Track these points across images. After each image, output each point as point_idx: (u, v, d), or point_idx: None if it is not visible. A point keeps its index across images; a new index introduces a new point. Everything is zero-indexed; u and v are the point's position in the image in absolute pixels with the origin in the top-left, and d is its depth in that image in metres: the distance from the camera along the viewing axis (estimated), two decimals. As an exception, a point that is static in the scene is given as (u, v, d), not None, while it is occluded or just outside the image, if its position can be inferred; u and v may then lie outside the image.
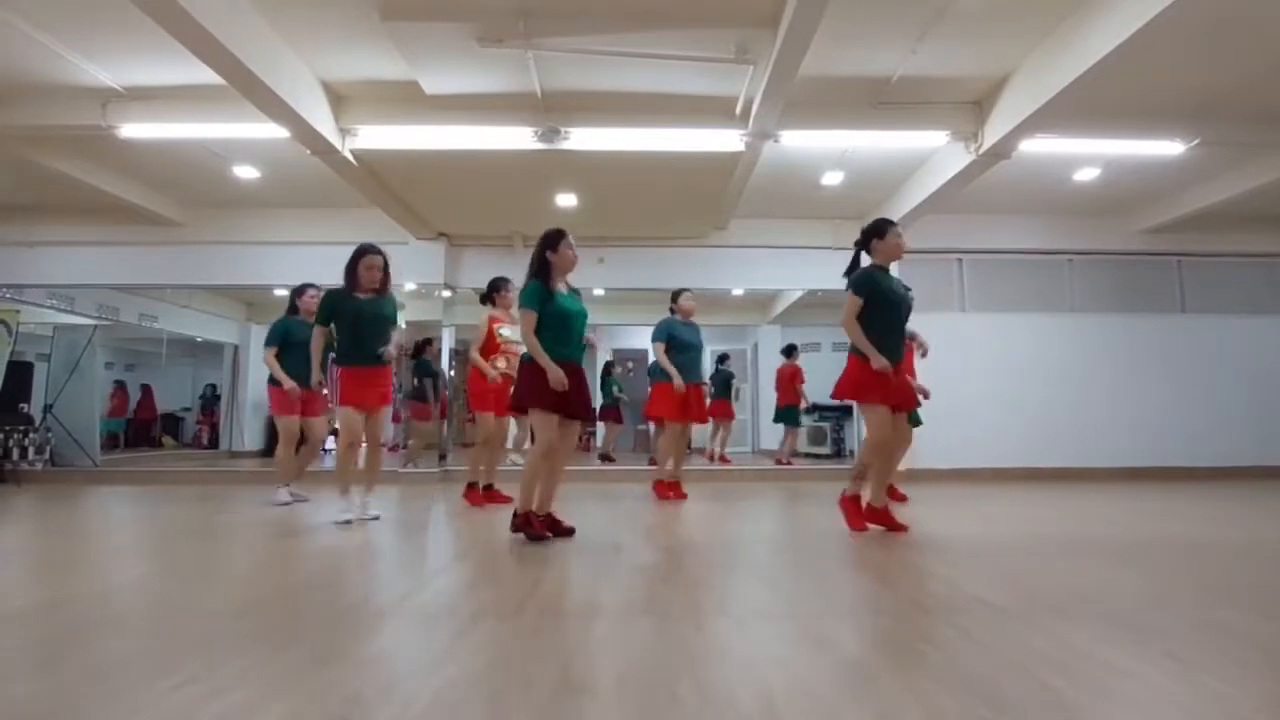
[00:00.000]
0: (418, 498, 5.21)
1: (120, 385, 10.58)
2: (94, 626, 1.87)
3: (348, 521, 3.64)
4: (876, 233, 3.51)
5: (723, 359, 8.90)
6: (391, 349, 3.79)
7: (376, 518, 3.87)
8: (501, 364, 4.51)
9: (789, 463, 8.02)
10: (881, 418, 3.34)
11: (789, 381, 8.33)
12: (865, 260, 3.58)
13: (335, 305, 3.77)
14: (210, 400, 11.01)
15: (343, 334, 3.76)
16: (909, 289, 3.63)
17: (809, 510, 4.51)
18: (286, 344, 4.63)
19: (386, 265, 3.84)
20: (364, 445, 3.91)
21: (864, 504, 3.48)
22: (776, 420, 8.53)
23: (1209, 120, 5.15)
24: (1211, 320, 7.37)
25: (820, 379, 8.23)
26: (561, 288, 3.28)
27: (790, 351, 8.51)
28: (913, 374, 4.81)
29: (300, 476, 4.85)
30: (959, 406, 6.83)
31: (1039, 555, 2.90)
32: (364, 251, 3.78)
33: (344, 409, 3.72)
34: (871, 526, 3.43)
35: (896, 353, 3.40)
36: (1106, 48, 3.70)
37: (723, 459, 8.04)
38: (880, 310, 3.37)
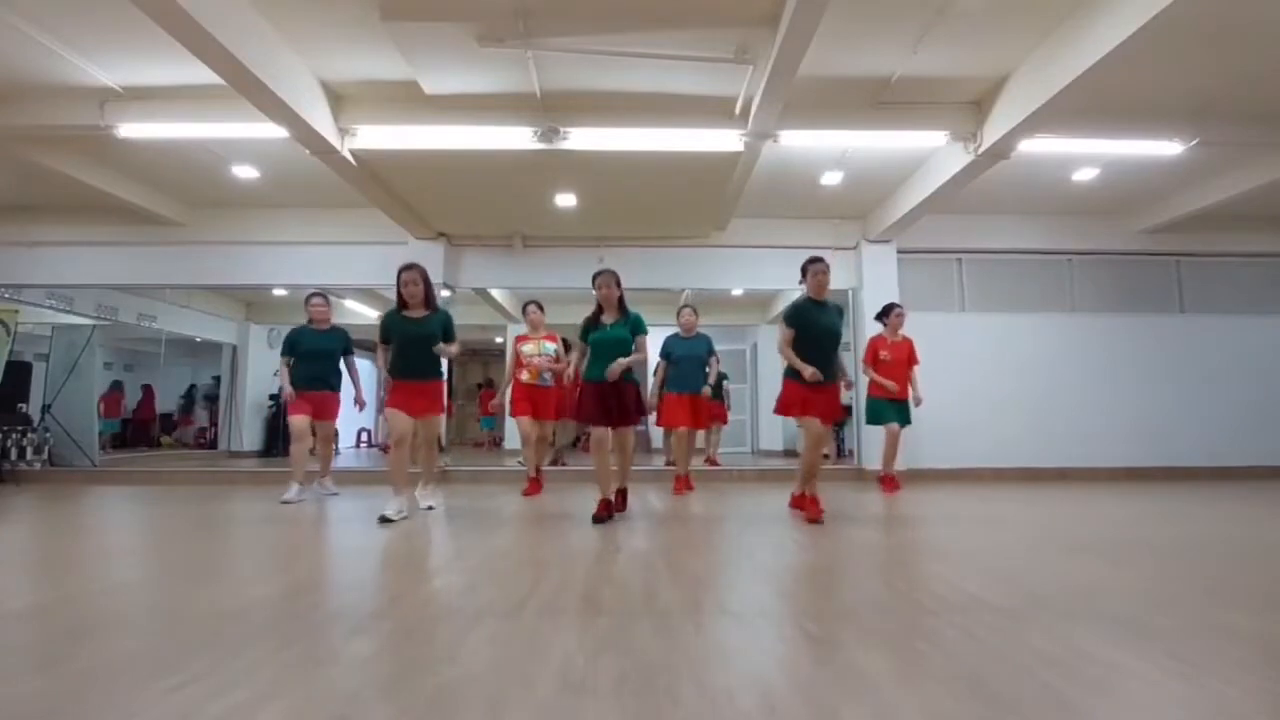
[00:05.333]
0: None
1: (116, 386, 10.64)
2: (94, 626, 1.87)
3: (386, 519, 3.76)
4: (803, 273, 3.98)
5: None
6: (452, 349, 4.07)
7: (430, 508, 4.25)
8: (524, 375, 5.19)
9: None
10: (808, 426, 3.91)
11: None
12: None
13: (387, 324, 4.04)
14: (211, 398, 11.04)
15: (394, 351, 4.00)
16: (841, 314, 4.04)
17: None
18: (294, 352, 4.96)
19: (426, 279, 4.01)
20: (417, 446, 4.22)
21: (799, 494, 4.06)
22: None
23: (1209, 120, 5.15)
24: (1210, 320, 7.38)
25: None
26: (608, 319, 3.94)
27: None
28: (906, 380, 5.41)
29: (323, 473, 5.27)
30: (958, 407, 6.83)
31: (1039, 555, 2.90)
32: (400, 270, 3.99)
33: (389, 410, 3.92)
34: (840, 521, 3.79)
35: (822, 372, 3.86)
36: (1106, 48, 3.70)
37: (711, 460, 7.99)
38: (802, 340, 3.91)
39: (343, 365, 5.16)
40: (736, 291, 8.58)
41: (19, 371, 7.37)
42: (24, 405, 7.30)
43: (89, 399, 7.57)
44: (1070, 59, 3.99)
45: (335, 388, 5.03)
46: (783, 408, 3.97)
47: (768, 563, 2.79)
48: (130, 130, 4.94)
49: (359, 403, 5.16)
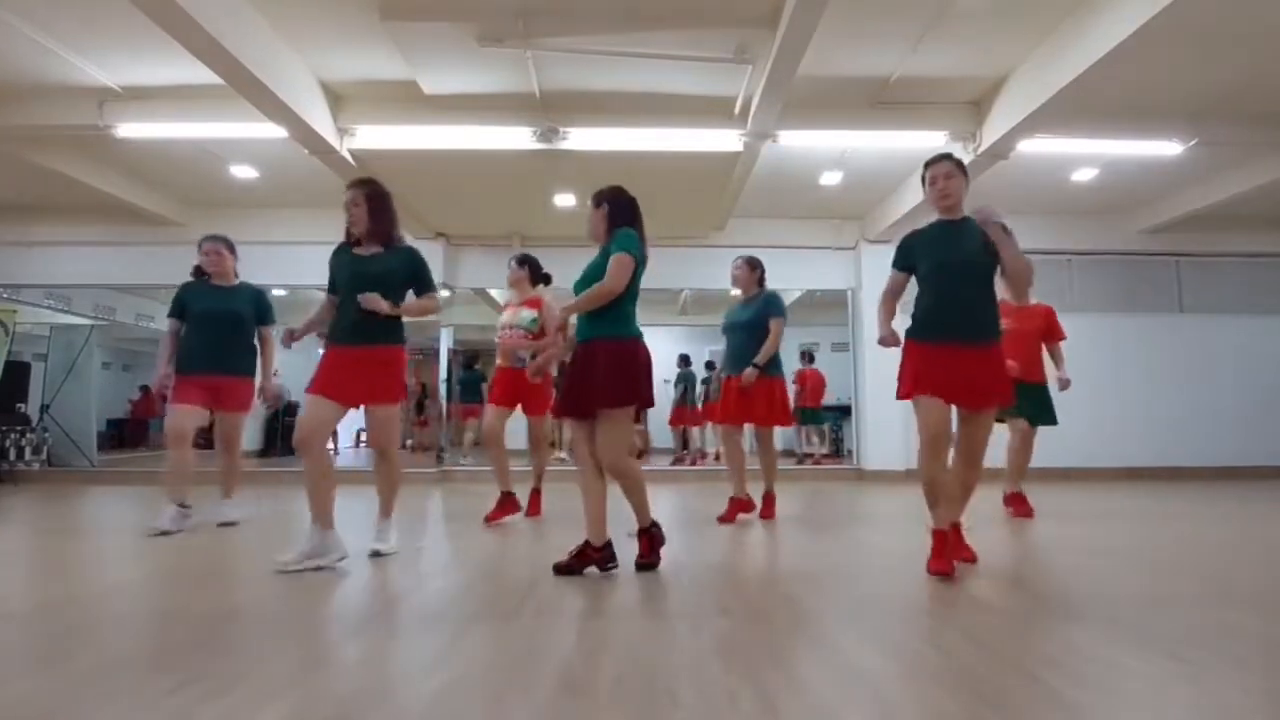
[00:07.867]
0: (415, 496, 5.20)
1: (145, 390, 11.03)
2: (94, 626, 1.86)
3: (376, 552, 2.81)
4: (923, 182, 2.95)
5: (685, 361, 8.69)
6: (382, 304, 2.63)
7: (376, 553, 2.83)
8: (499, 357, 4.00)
9: (819, 461, 8.20)
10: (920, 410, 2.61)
11: (820, 385, 8.50)
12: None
13: (331, 265, 2.81)
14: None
15: (338, 304, 2.77)
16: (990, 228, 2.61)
17: (809, 511, 4.51)
18: (183, 316, 3.72)
19: (375, 199, 2.74)
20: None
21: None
22: (809, 422, 8.59)
23: (1208, 120, 5.15)
24: (1210, 320, 7.38)
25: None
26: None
27: (813, 357, 8.66)
28: (1033, 359, 4.26)
29: (225, 491, 3.96)
30: (958, 406, 6.82)
31: (1041, 556, 2.90)
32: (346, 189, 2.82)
33: (307, 396, 2.62)
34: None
35: (950, 327, 2.59)
36: (1105, 48, 3.70)
37: (691, 460, 7.97)
38: (920, 275, 2.75)
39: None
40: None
41: (17, 371, 7.36)
42: (22, 405, 7.30)
43: (88, 399, 7.56)
44: (1070, 59, 3.99)
45: (244, 370, 3.71)
46: (901, 387, 2.67)
47: (769, 564, 2.79)
48: (129, 130, 4.94)
49: (266, 394, 3.89)
